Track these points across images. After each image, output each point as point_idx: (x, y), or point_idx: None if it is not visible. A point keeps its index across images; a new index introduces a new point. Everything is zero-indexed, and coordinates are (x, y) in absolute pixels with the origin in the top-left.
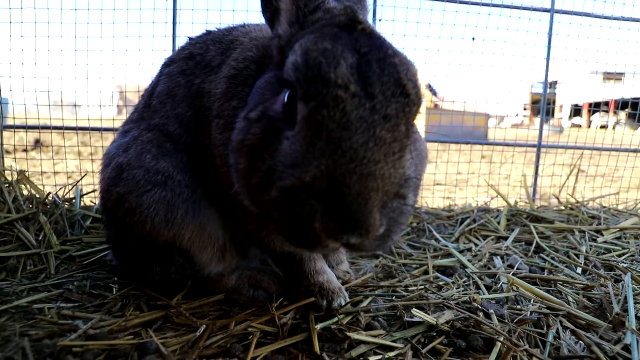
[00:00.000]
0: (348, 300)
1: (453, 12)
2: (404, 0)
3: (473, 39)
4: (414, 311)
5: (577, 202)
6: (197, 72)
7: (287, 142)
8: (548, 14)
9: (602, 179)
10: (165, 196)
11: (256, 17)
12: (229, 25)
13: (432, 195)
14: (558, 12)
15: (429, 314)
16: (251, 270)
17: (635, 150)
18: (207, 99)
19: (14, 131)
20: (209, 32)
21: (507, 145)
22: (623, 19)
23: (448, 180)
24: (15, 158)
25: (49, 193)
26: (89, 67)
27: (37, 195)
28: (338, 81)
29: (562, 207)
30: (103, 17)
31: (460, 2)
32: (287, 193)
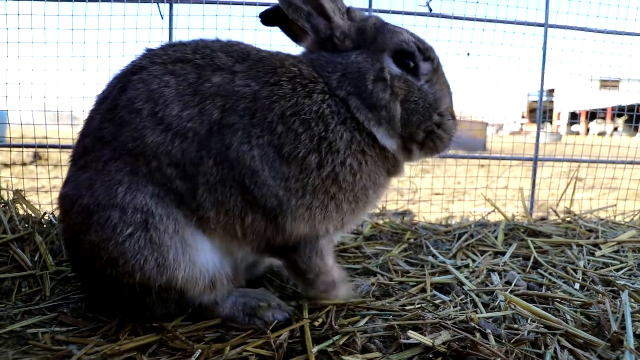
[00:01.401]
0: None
1: (448, 27)
2: (398, 17)
3: (468, 54)
4: (410, 333)
5: (575, 215)
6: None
7: (427, 87)
8: (542, 29)
9: (600, 190)
10: (151, 237)
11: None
12: None
13: (429, 207)
14: (552, 26)
15: (425, 335)
16: (245, 297)
17: (631, 162)
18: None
19: (10, 150)
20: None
21: (503, 159)
22: (616, 32)
23: (447, 191)
24: (11, 173)
25: (45, 213)
26: (85, 86)
27: (33, 215)
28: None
29: (560, 220)
30: (100, 37)
31: (455, 18)
32: (443, 114)
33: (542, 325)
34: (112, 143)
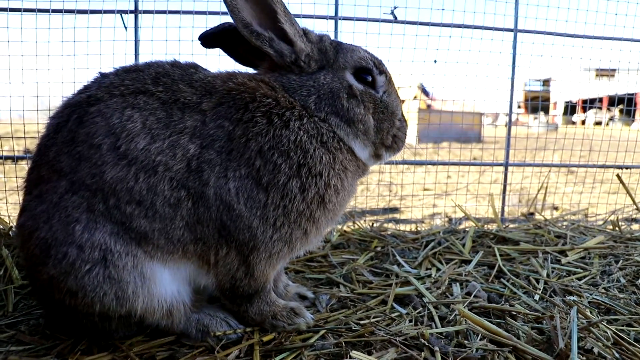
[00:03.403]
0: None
1: (413, 35)
2: (362, 25)
3: (435, 61)
4: (354, 353)
5: (545, 219)
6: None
7: (385, 97)
8: (512, 34)
9: (571, 195)
10: (110, 274)
11: None
12: None
13: (417, 202)
14: (522, 31)
15: (374, 352)
16: (199, 313)
17: (603, 166)
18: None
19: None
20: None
21: (474, 164)
22: (585, 37)
23: (438, 186)
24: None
25: (11, 227)
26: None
27: (1, 227)
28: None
29: (530, 226)
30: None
31: (421, 24)
32: (401, 119)
33: (492, 341)
34: (70, 176)
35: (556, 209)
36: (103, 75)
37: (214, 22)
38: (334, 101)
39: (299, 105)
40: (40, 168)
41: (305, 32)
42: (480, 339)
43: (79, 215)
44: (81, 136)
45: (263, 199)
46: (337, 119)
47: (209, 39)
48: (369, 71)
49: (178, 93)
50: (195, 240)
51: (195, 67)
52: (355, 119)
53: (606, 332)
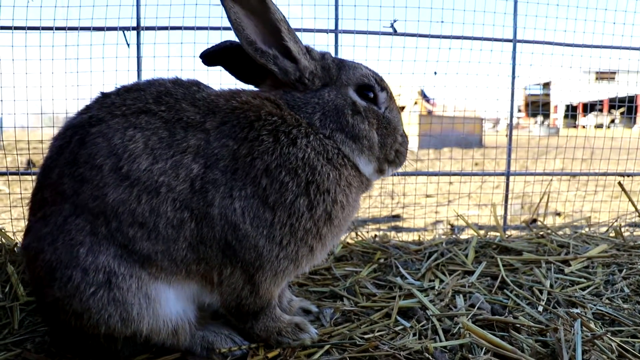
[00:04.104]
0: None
1: (413, 47)
2: (362, 38)
3: (435, 73)
4: None
5: (548, 229)
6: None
7: (387, 113)
8: (511, 44)
9: (574, 202)
10: (114, 296)
11: None
12: None
13: (420, 211)
14: (521, 41)
15: None
16: (204, 330)
17: (605, 174)
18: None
19: (5, 153)
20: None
21: (476, 174)
22: (584, 45)
23: (439, 192)
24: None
25: (16, 243)
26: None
27: (6, 243)
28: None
29: (533, 235)
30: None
31: (420, 37)
32: (402, 134)
33: (496, 355)
34: (73, 199)
35: (559, 214)
36: (104, 95)
37: (216, 37)
38: (339, 118)
39: (305, 123)
40: (44, 190)
41: (308, 50)
42: (485, 353)
43: (83, 238)
44: (83, 157)
45: (269, 218)
46: (342, 136)
47: (210, 57)
48: (371, 88)
49: (181, 112)
50: (198, 260)
51: (197, 84)
52: (361, 134)
53: (610, 344)
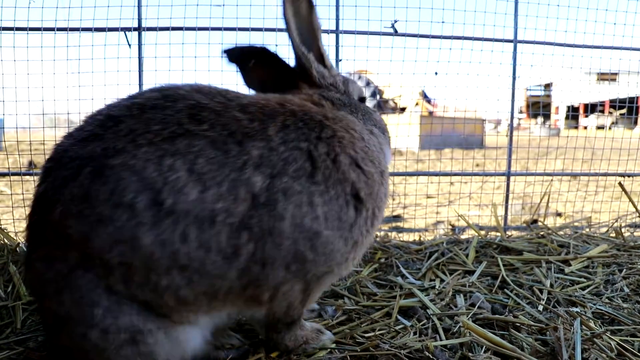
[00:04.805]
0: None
1: (414, 48)
2: (363, 39)
3: (436, 73)
4: None
5: (549, 229)
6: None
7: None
8: (512, 45)
9: (574, 202)
10: (140, 351)
11: (217, 49)
12: None
13: (420, 211)
14: (521, 42)
15: None
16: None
17: (605, 174)
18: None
19: (7, 154)
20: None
21: (477, 175)
22: (585, 46)
23: (440, 192)
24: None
25: (19, 244)
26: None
27: (8, 243)
28: None
29: (533, 235)
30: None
31: (421, 37)
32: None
33: (496, 354)
34: (81, 247)
35: (560, 215)
36: (113, 120)
37: (217, 37)
38: (370, 116)
39: (359, 120)
40: (43, 226)
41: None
42: (485, 351)
43: (98, 298)
44: (102, 194)
45: (353, 216)
46: (378, 130)
47: (236, 55)
48: (365, 100)
49: (232, 125)
50: (246, 286)
51: (225, 90)
52: (385, 128)
53: (610, 343)
